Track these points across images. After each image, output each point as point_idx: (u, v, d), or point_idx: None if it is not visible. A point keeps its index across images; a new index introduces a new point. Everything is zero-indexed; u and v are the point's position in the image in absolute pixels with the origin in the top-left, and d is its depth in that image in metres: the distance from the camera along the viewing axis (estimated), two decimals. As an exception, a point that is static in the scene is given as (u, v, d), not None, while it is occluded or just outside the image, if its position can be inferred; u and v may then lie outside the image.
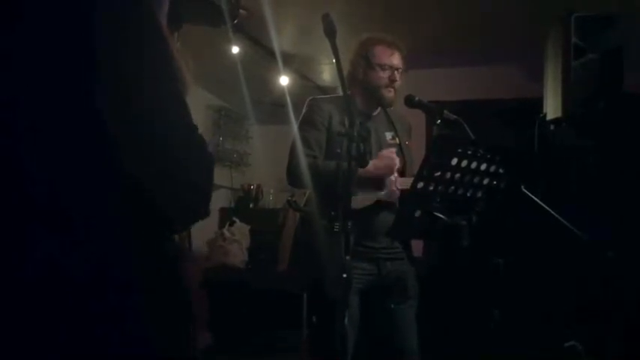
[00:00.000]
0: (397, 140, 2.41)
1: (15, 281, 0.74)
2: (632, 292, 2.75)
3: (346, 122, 1.71)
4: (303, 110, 2.38)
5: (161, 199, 0.83)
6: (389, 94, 2.35)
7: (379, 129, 2.38)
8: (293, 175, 2.28)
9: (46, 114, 0.77)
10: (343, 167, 1.69)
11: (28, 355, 0.73)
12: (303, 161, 2.23)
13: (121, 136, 0.78)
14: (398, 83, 2.36)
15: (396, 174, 2.26)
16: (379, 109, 2.45)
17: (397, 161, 2.24)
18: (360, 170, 2.09)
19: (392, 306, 2.29)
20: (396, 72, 2.35)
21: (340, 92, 2.52)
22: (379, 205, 2.26)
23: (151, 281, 0.84)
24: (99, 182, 0.79)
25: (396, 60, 2.36)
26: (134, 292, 0.81)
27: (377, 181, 2.25)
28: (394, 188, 2.25)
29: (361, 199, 2.21)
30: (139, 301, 0.81)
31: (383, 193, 2.26)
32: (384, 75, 2.34)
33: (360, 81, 2.36)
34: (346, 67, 2.33)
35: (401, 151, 2.38)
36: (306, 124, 2.33)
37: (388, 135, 2.40)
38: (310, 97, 2.41)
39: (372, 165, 2.16)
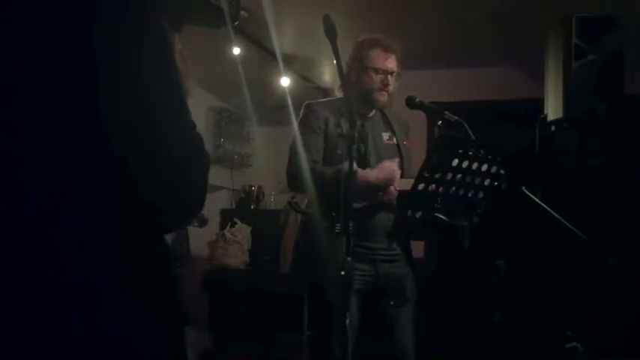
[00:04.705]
0: (394, 140, 2.40)
1: (9, 282, 0.74)
2: (632, 293, 2.75)
3: (343, 124, 1.71)
4: (300, 115, 2.39)
5: (158, 198, 0.84)
6: (381, 97, 2.34)
7: (375, 130, 2.37)
8: (292, 180, 2.29)
9: (45, 112, 0.77)
10: (344, 169, 1.69)
11: (16, 353, 0.73)
12: (302, 165, 2.23)
13: (118, 135, 0.79)
14: (391, 87, 2.35)
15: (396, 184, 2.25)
16: (375, 110, 2.45)
17: (398, 173, 2.22)
18: (361, 180, 2.09)
19: (390, 303, 2.29)
20: (389, 76, 2.34)
21: (334, 95, 2.53)
22: (377, 206, 2.25)
23: (144, 282, 0.84)
24: (94, 180, 0.79)
25: (390, 64, 2.35)
26: (126, 292, 0.81)
27: (376, 191, 2.24)
28: (392, 197, 2.23)
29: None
30: (131, 302, 0.81)
31: (383, 199, 2.24)
32: (377, 79, 2.33)
33: (353, 84, 2.35)
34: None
35: (399, 151, 2.38)
36: (304, 128, 2.33)
37: (385, 135, 2.40)
38: (306, 102, 2.42)
39: (373, 177, 2.16)
